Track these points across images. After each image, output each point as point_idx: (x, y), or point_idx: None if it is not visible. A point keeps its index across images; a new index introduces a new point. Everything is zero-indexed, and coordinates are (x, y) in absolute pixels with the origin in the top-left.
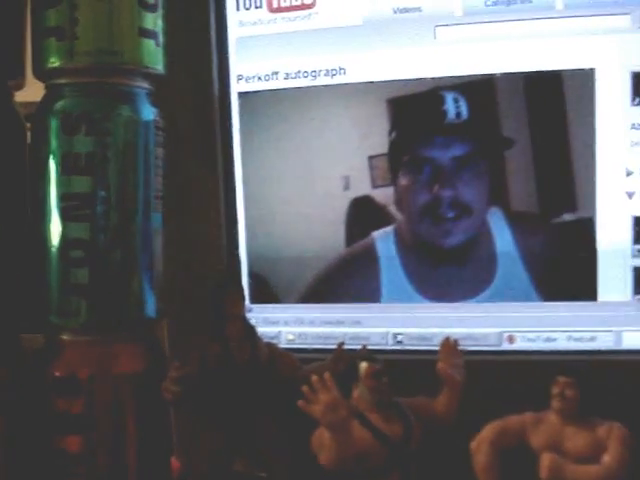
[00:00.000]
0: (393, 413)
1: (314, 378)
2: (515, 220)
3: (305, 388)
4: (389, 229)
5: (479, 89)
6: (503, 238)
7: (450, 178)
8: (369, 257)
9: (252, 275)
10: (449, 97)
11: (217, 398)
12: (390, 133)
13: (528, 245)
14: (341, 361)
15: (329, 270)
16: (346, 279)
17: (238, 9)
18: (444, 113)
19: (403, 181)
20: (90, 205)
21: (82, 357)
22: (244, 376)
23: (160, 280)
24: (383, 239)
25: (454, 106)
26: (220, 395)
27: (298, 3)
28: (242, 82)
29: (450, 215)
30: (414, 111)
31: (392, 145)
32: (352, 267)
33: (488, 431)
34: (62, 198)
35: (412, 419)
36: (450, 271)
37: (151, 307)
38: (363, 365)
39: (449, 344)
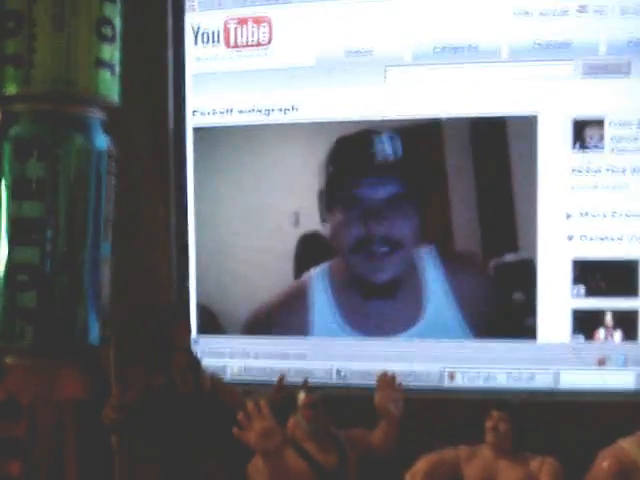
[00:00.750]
0: (329, 443)
1: (249, 405)
2: (450, 259)
3: (240, 415)
4: (325, 265)
5: (423, 130)
6: (435, 276)
7: (382, 215)
8: (305, 292)
9: (200, 307)
10: (384, 137)
11: (158, 428)
12: (327, 170)
13: (462, 283)
14: (281, 393)
15: (274, 304)
16: (286, 313)
17: (196, 44)
18: (376, 153)
19: (338, 217)
20: (39, 230)
21: (24, 381)
22: (186, 408)
23: (106, 308)
24: (319, 274)
25: (388, 146)
26: (161, 425)
27: (254, 41)
28: (197, 116)
29: (381, 251)
30: (350, 150)
31: (328, 182)
32: (291, 301)
33: (423, 463)
34: (12, 222)
35: (348, 450)
36: (380, 306)
37: (95, 334)
38: (301, 395)
39: (386, 379)
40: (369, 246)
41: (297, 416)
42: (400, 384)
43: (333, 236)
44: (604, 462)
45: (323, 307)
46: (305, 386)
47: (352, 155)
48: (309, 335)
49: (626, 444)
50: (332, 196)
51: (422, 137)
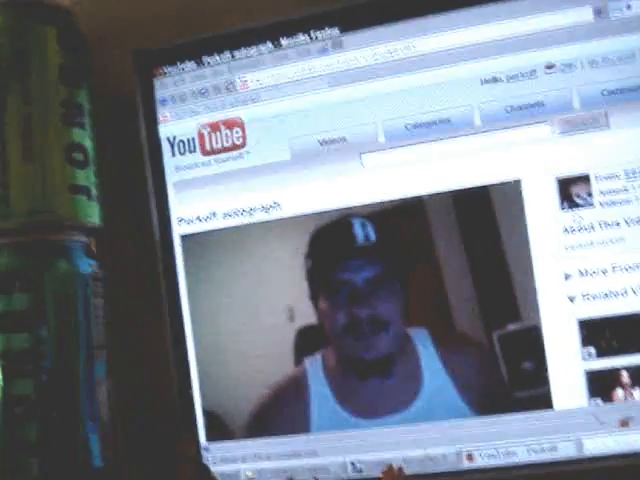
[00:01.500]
0: None
1: None
2: (443, 339)
3: None
4: (318, 355)
5: (405, 210)
6: (429, 357)
7: (367, 297)
8: (302, 385)
9: (206, 413)
10: (363, 220)
11: None
12: (306, 261)
13: (458, 362)
14: None
15: (276, 402)
16: (288, 410)
17: (174, 155)
18: (355, 237)
19: (323, 305)
20: (30, 361)
21: None
22: None
23: (107, 429)
24: (312, 365)
25: (367, 228)
26: None
27: (229, 144)
28: (183, 225)
29: (369, 332)
30: (328, 236)
31: (309, 272)
32: (291, 397)
33: None
34: (2, 357)
35: None
36: (376, 385)
37: (98, 457)
38: None
39: (392, 472)
40: (356, 329)
41: None
42: (408, 477)
43: (322, 324)
44: None
45: (320, 398)
46: None
47: (331, 241)
48: (313, 430)
49: None
50: (316, 285)
51: (404, 217)
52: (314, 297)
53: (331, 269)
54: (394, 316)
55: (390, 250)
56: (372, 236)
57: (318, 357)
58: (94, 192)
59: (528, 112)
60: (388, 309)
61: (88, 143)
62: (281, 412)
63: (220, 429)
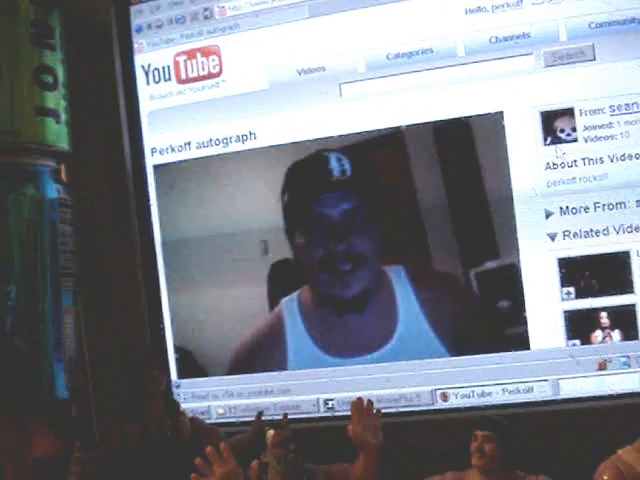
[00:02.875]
0: None
1: (208, 449)
2: (420, 277)
3: (198, 460)
4: (294, 294)
5: (383, 142)
6: (405, 295)
7: (343, 232)
8: (278, 324)
9: (178, 349)
10: (339, 154)
11: (137, 477)
12: (282, 195)
13: (434, 300)
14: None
15: (250, 339)
16: (263, 348)
17: (148, 83)
18: (332, 170)
19: (300, 240)
20: None
21: None
22: (164, 454)
23: (72, 359)
24: (288, 304)
25: (344, 162)
26: (140, 474)
27: (205, 73)
28: (156, 155)
29: (345, 268)
30: (306, 170)
31: (285, 207)
32: (266, 335)
33: None
34: None
35: None
36: (351, 323)
37: (62, 387)
38: (270, 433)
39: (360, 405)
40: (333, 264)
41: (268, 456)
42: (378, 411)
43: (298, 260)
44: (604, 475)
45: (296, 336)
46: (275, 423)
47: (308, 175)
48: (289, 368)
49: (626, 454)
50: (292, 219)
51: (382, 149)
52: (290, 232)
53: (307, 203)
54: (370, 252)
55: (366, 184)
56: (348, 170)
57: (294, 296)
58: (63, 116)
59: (513, 43)
60: (364, 244)
61: (59, 66)
62: (257, 350)
63: (192, 366)
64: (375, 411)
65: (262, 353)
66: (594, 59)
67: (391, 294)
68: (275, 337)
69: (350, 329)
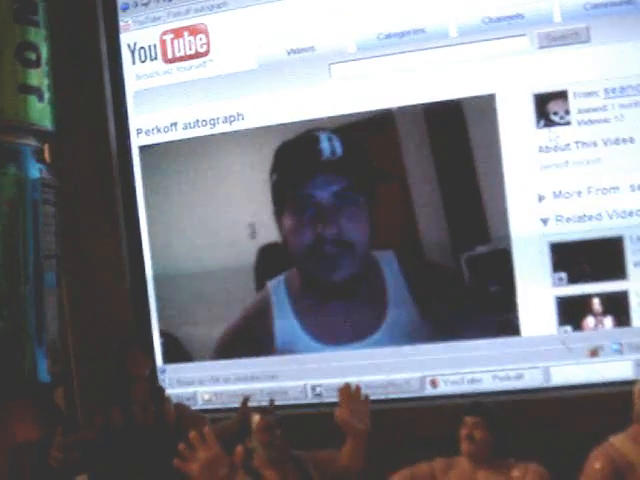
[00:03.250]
0: (291, 468)
1: (192, 434)
2: (410, 260)
3: (182, 446)
4: (281, 277)
5: (373, 123)
6: (394, 279)
7: (332, 215)
8: (265, 308)
9: (163, 334)
10: (329, 135)
11: (120, 464)
12: (271, 176)
13: (424, 284)
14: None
15: (237, 324)
16: (250, 332)
17: (134, 63)
18: (321, 151)
19: (288, 223)
20: None
21: None
22: (148, 441)
23: (55, 342)
24: (275, 287)
25: (334, 143)
26: (123, 461)
27: (192, 52)
28: (142, 136)
29: (334, 251)
30: (294, 151)
31: (274, 188)
32: (253, 319)
33: (396, 479)
34: None
35: (312, 473)
36: (339, 308)
37: (44, 371)
38: (255, 418)
39: (348, 391)
40: (321, 247)
41: (254, 441)
42: (366, 396)
43: (286, 243)
44: (596, 463)
45: (284, 321)
46: (261, 409)
47: (297, 155)
48: (275, 353)
49: (617, 441)
50: (281, 202)
51: (372, 131)
52: (278, 214)
53: (297, 184)
54: (360, 236)
55: (357, 165)
56: (339, 150)
57: (281, 279)
58: (47, 94)
59: (506, 24)
60: (354, 228)
61: (42, 43)
62: (244, 334)
63: (177, 351)
64: (363, 397)
65: (250, 337)
66: (589, 41)
67: (380, 279)
68: (263, 321)
69: (338, 314)
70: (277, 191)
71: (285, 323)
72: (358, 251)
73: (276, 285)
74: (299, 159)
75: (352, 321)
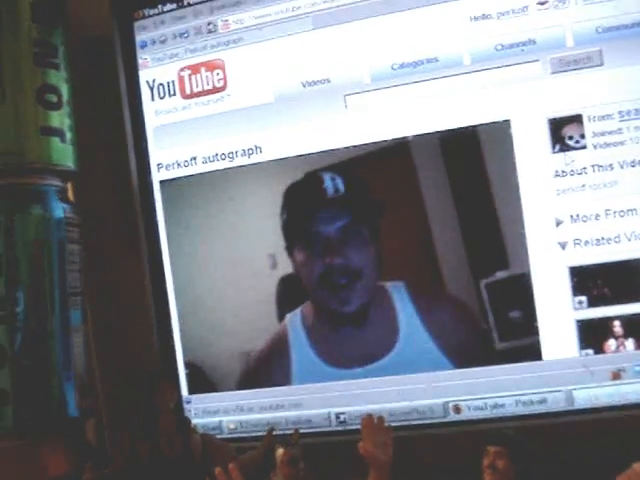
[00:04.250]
0: None
1: (217, 470)
2: (421, 292)
3: None
4: (297, 309)
5: (393, 155)
6: (405, 309)
7: (340, 247)
8: (284, 339)
9: (188, 365)
10: (329, 176)
11: None
12: (281, 215)
13: (435, 312)
14: (272, 446)
15: (259, 354)
16: (270, 362)
17: (153, 99)
18: (326, 189)
19: (299, 256)
20: (3, 307)
21: (8, 465)
22: (175, 471)
23: (82, 378)
24: (293, 319)
25: (333, 182)
26: None
27: (210, 87)
28: (162, 170)
29: (342, 282)
30: (302, 188)
31: (284, 226)
32: (274, 350)
33: None
34: None
35: None
36: (352, 337)
37: (73, 406)
38: (279, 452)
39: (371, 422)
40: (330, 279)
41: (277, 475)
42: (389, 427)
43: (298, 276)
44: None
45: (300, 350)
46: (286, 440)
47: (302, 195)
48: (293, 382)
49: None
50: (291, 237)
51: (389, 161)
52: (290, 249)
53: (304, 222)
54: (367, 268)
55: (359, 200)
56: (341, 188)
57: (297, 311)
58: (68, 135)
59: (519, 50)
60: (361, 260)
61: (62, 85)
62: (264, 364)
63: (202, 382)
64: (386, 427)
65: (271, 367)
66: (602, 64)
67: (391, 309)
68: (280, 351)
69: (350, 342)
70: (287, 228)
71: (301, 351)
72: (366, 282)
73: (293, 317)
74: (305, 198)
75: (363, 347)
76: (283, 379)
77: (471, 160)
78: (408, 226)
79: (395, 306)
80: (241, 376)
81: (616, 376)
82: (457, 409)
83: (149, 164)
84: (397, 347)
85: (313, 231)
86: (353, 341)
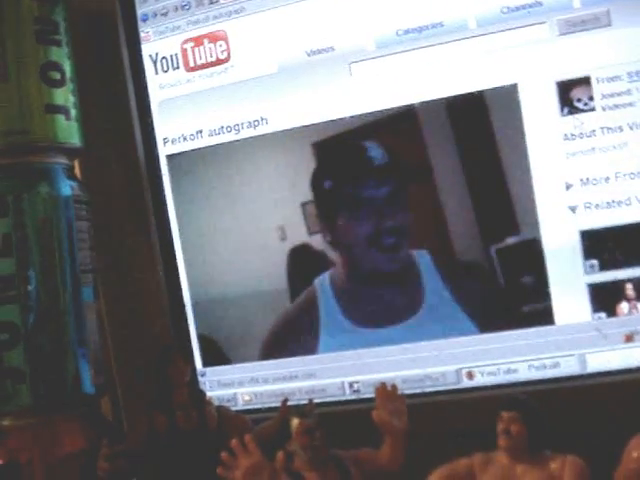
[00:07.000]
0: (332, 469)
1: (233, 442)
2: (443, 255)
3: (224, 454)
4: (325, 274)
5: (400, 123)
6: (430, 274)
7: (385, 212)
8: (312, 305)
9: (202, 338)
10: (373, 145)
11: (166, 470)
12: (318, 179)
13: (458, 277)
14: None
15: (276, 324)
16: (292, 332)
17: (157, 73)
18: (369, 158)
19: (342, 222)
20: (15, 286)
21: (25, 442)
22: (192, 445)
23: (97, 354)
24: (321, 284)
25: (377, 152)
26: (169, 467)
27: (213, 59)
28: (169, 145)
29: (391, 242)
30: (340, 156)
31: (326, 193)
32: (296, 319)
33: (436, 477)
34: None
35: (353, 473)
36: (380, 296)
37: (88, 383)
38: (294, 422)
39: (385, 390)
40: (379, 239)
41: (294, 444)
42: (402, 394)
43: (334, 242)
44: (634, 452)
45: (328, 312)
46: (300, 410)
47: (349, 163)
48: (320, 350)
49: None
50: (334, 204)
51: (399, 131)
52: (329, 217)
53: (353, 188)
54: (405, 232)
55: (400, 167)
56: (385, 156)
57: (325, 276)
58: (73, 112)
59: (525, 12)
60: (403, 222)
61: (65, 61)
62: (285, 335)
63: (216, 354)
64: (399, 394)
65: (292, 337)
66: (610, 25)
67: (417, 274)
68: (308, 318)
69: (379, 302)
70: (330, 195)
71: (330, 313)
72: (407, 243)
73: (322, 282)
74: (352, 166)
75: (390, 308)
76: (309, 346)
77: (479, 125)
78: (424, 195)
79: (420, 271)
80: (259, 347)
81: (629, 338)
82: (470, 375)
83: (155, 138)
84: (423, 307)
85: (361, 197)
86: (382, 302)
